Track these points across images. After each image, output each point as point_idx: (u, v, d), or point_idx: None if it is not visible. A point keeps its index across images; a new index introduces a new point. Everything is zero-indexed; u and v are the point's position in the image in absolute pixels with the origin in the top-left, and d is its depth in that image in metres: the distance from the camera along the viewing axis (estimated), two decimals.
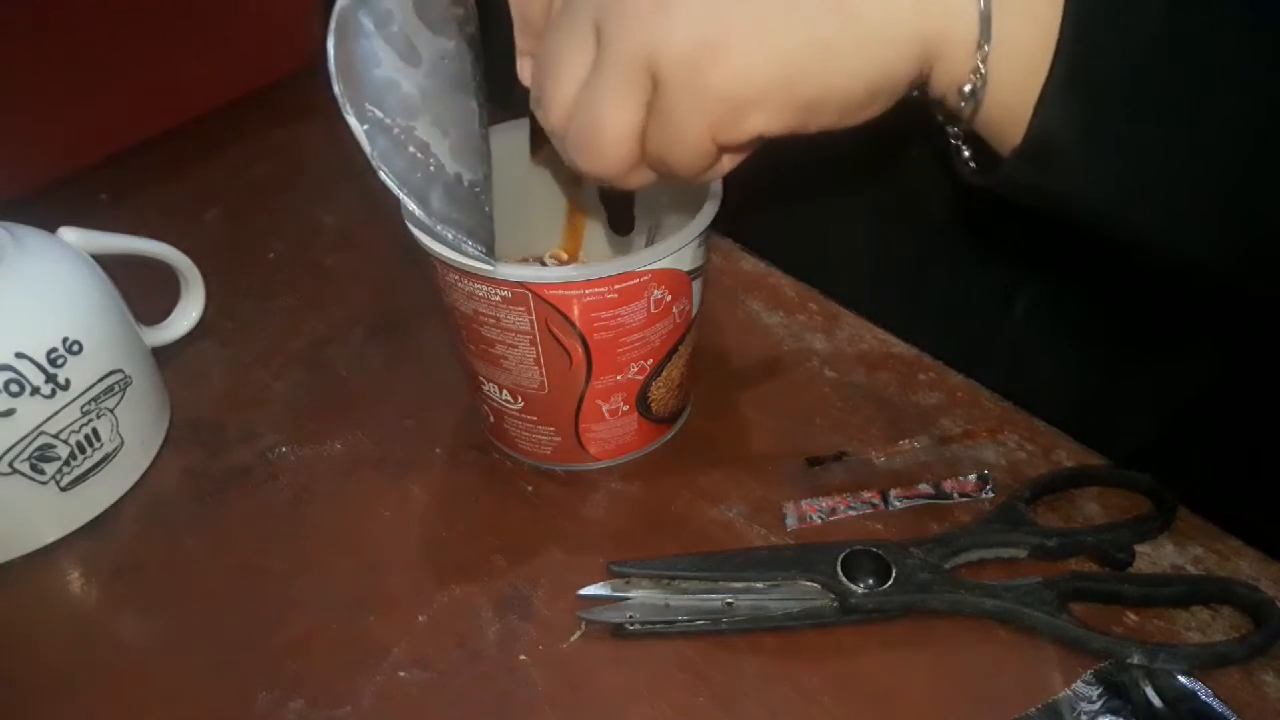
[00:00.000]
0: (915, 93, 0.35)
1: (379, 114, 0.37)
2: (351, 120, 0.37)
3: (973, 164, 0.37)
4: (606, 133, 0.34)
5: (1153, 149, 0.33)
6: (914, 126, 0.39)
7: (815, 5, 0.32)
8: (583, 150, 0.35)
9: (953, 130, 0.37)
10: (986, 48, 0.33)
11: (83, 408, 0.44)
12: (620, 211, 0.48)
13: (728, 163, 0.37)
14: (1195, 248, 0.36)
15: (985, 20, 0.32)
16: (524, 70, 0.39)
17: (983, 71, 0.33)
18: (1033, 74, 0.32)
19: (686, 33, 0.32)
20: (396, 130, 0.38)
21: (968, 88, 0.34)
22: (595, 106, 0.33)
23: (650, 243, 0.47)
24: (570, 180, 0.50)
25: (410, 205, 0.38)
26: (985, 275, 0.55)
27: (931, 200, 0.54)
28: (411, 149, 0.38)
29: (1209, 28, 0.32)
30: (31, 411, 0.42)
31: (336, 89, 0.36)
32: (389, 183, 0.38)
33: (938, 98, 0.35)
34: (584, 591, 0.40)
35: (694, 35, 0.32)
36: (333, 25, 0.37)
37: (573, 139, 0.35)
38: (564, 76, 0.34)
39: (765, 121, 0.34)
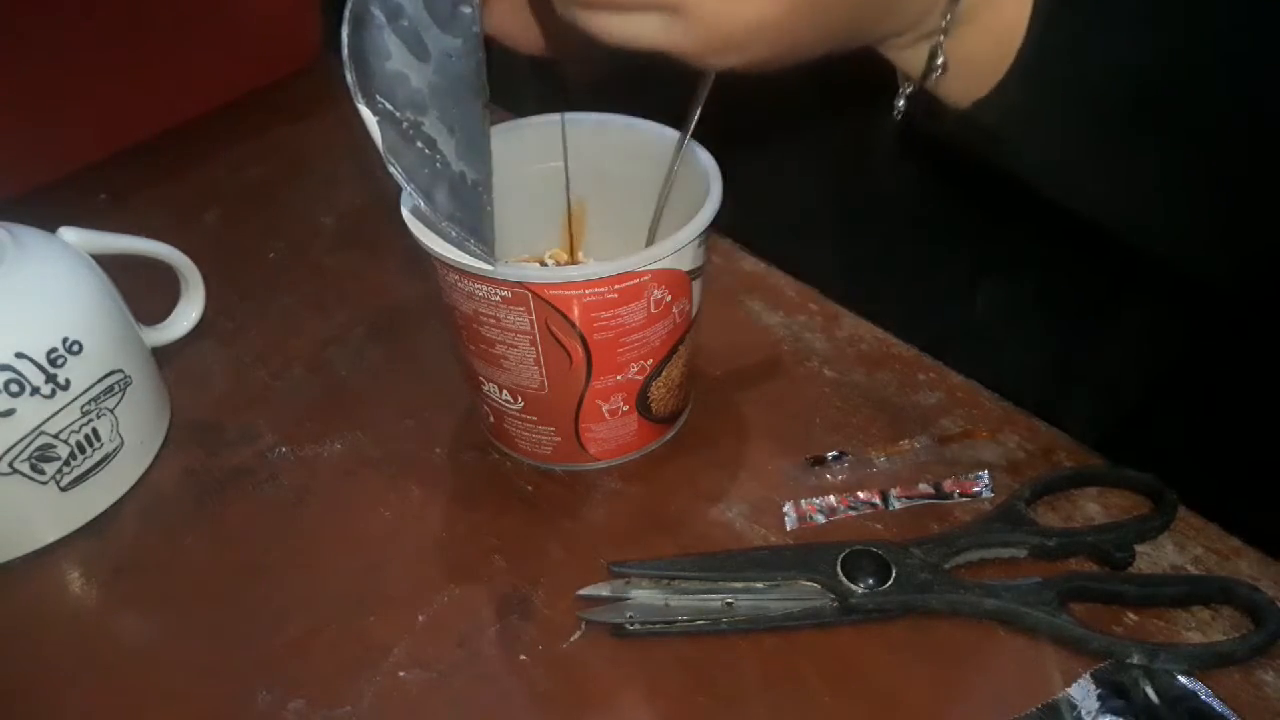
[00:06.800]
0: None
1: (389, 106, 0.37)
2: (363, 109, 0.37)
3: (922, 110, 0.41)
4: None
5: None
6: (884, 124, 0.41)
7: None
8: None
9: (906, 88, 0.40)
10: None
11: (83, 408, 0.44)
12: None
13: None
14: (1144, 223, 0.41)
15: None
16: None
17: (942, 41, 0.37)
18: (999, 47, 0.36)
19: None
20: (405, 124, 0.38)
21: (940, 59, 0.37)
22: None
23: (650, 243, 0.47)
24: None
25: (417, 200, 0.38)
26: (948, 266, 0.57)
27: (895, 197, 0.57)
28: (419, 144, 0.38)
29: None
30: (31, 411, 0.42)
31: (349, 78, 0.36)
32: (397, 175, 0.38)
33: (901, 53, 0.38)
34: (584, 591, 0.40)
35: None
36: (347, 14, 0.37)
37: None
38: None
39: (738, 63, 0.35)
